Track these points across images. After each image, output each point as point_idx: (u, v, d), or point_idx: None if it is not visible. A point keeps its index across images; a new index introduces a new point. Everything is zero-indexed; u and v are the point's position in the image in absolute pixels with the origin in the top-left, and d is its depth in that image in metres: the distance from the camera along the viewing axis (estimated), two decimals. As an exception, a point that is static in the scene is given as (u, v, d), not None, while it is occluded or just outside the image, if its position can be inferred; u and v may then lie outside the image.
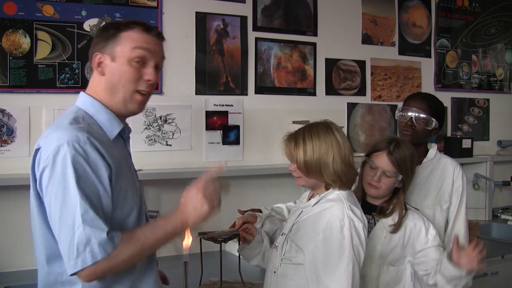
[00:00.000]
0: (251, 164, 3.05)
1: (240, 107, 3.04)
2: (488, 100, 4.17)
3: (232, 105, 3.01)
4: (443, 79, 3.90)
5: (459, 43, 4.00)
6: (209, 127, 2.95)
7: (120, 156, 1.48)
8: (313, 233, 1.79)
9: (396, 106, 3.51)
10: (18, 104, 2.49)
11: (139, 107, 1.53)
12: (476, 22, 4.08)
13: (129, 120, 1.61)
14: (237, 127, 3.03)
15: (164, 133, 2.82)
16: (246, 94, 3.06)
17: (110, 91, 1.49)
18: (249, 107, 3.07)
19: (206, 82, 2.94)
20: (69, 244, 1.30)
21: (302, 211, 1.89)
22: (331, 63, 3.36)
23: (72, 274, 1.31)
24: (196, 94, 2.91)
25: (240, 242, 2.09)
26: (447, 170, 2.29)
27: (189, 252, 1.87)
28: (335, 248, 1.72)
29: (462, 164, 2.48)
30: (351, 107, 3.45)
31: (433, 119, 2.26)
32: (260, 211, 2.25)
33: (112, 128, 1.49)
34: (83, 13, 2.61)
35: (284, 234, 1.91)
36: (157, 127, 2.80)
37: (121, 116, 1.53)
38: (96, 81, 1.51)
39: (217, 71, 2.97)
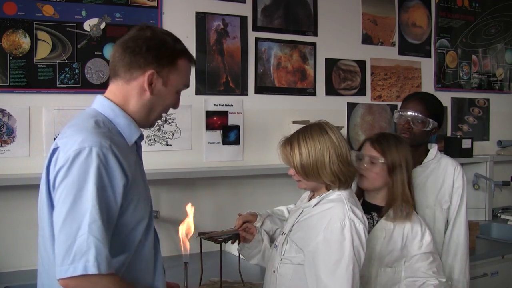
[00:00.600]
0: (251, 164, 3.05)
1: (240, 107, 3.04)
2: (488, 100, 4.17)
3: (232, 105, 3.01)
4: (443, 79, 3.90)
5: (459, 43, 4.00)
6: (209, 127, 2.95)
7: (135, 164, 1.47)
8: (313, 234, 1.78)
9: (396, 106, 3.51)
10: (18, 104, 2.49)
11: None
12: (476, 22, 4.08)
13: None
14: (237, 127, 3.03)
15: (164, 133, 2.82)
16: (246, 94, 3.06)
17: (148, 109, 1.50)
18: (249, 107, 3.07)
19: (206, 82, 2.94)
20: (67, 248, 1.26)
21: (302, 211, 1.89)
22: (331, 63, 3.36)
23: (59, 279, 1.28)
24: (196, 94, 2.91)
25: (240, 241, 2.10)
26: (447, 170, 2.29)
27: (189, 252, 1.87)
28: (335, 249, 1.72)
29: (462, 164, 2.48)
30: (351, 107, 3.45)
31: (430, 120, 2.25)
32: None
33: (131, 134, 1.49)
34: (83, 13, 2.61)
35: (284, 234, 1.91)
36: (157, 127, 2.80)
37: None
38: (132, 92, 1.48)
39: (217, 71, 2.97)
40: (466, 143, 3.70)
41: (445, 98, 3.88)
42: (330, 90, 3.36)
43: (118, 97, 1.49)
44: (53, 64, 2.55)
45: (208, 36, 2.94)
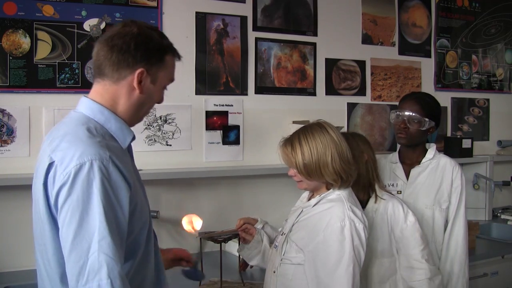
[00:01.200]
0: (251, 164, 3.05)
1: (240, 107, 3.04)
2: (488, 100, 4.17)
3: (232, 105, 3.01)
4: (443, 79, 3.90)
5: (459, 43, 4.00)
6: (209, 127, 2.95)
7: (132, 167, 1.44)
8: (313, 234, 1.78)
9: (396, 106, 3.50)
10: (18, 104, 2.49)
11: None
12: (476, 22, 4.08)
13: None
14: (237, 127, 3.03)
15: (164, 133, 2.82)
16: (246, 94, 3.06)
17: (137, 108, 1.46)
18: (249, 107, 3.07)
19: (206, 82, 2.94)
20: (80, 269, 1.21)
21: (302, 210, 1.89)
22: (331, 63, 3.36)
23: None
24: (196, 94, 2.91)
25: (240, 242, 2.10)
26: (446, 170, 2.29)
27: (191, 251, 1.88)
28: (335, 249, 1.72)
29: (462, 164, 2.49)
30: (351, 107, 3.45)
31: (426, 119, 2.26)
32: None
33: (124, 137, 1.43)
34: (83, 13, 2.61)
35: (284, 234, 1.91)
36: (157, 127, 2.80)
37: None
38: (121, 92, 1.42)
39: (217, 71, 2.97)
40: (466, 143, 3.70)
41: (445, 98, 3.88)
42: (330, 90, 3.36)
43: (106, 98, 1.42)
44: (53, 64, 2.55)
45: (208, 36, 2.94)
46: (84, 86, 2.57)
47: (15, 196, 2.43)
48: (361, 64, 3.49)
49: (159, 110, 2.77)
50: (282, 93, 3.18)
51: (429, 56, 3.83)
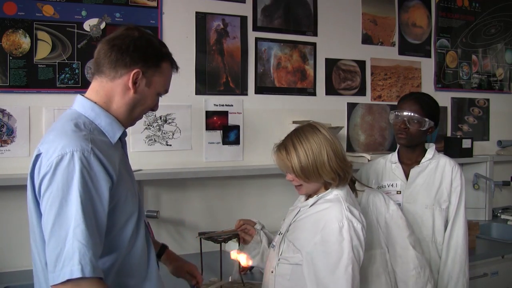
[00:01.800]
0: (251, 164, 3.05)
1: (240, 107, 3.04)
2: (488, 100, 4.17)
3: (232, 105, 3.01)
4: (443, 79, 3.90)
5: (459, 43, 4.00)
6: (209, 127, 2.95)
7: (120, 161, 1.48)
8: (310, 234, 1.78)
9: (396, 106, 3.50)
10: (18, 104, 2.49)
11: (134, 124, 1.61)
12: (476, 22, 4.08)
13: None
14: (237, 127, 3.03)
15: (164, 133, 2.82)
16: (246, 94, 3.06)
17: (130, 108, 1.51)
18: (249, 107, 3.07)
19: (206, 82, 2.94)
20: (57, 255, 1.27)
21: (299, 210, 1.89)
22: (331, 63, 3.36)
23: (52, 286, 1.28)
24: (196, 94, 2.91)
25: (240, 243, 2.10)
26: (445, 170, 2.29)
27: (188, 252, 1.87)
28: (334, 250, 1.72)
29: (462, 164, 2.49)
30: (351, 107, 3.45)
31: (426, 119, 2.26)
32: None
33: (114, 132, 1.49)
34: (83, 13, 2.61)
35: (281, 233, 1.90)
36: (157, 127, 2.80)
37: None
38: (116, 90, 1.48)
39: (217, 71, 2.97)
40: (466, 143, 3.70)
41: (445, 98, 3.88)
42: (330, 90, 3.36)
43: (101, 95, 1.49)
44: (53, 64, 2.55)
45: (208, 36, 2.94)
46: (84, 86, 2.57)
47: (15, 196, 2.43)
48: (361, 64, 3.49)
49: (159, 110, 2.73)
50: (282, 93, 3.18)
51: (429, 56, 3.83)
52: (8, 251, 2.46)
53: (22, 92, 2.49)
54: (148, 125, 2.78)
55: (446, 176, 2.28)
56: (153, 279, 1.54)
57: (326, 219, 1.76)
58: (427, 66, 3.81)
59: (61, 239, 1.28)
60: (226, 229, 2.19)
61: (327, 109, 3.33)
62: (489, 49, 4.16)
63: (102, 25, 2.64)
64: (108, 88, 1.49)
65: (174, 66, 1.57)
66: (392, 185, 2.33)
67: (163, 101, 1.63)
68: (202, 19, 2.93)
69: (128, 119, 1.53)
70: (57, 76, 2.56)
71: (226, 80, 3.00)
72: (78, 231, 1.27)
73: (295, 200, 2.10)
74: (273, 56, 3.15)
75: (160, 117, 2.80)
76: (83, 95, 1.51)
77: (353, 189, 2.01)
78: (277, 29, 3.16)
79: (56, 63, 2.56)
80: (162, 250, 1.91)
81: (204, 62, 2.93)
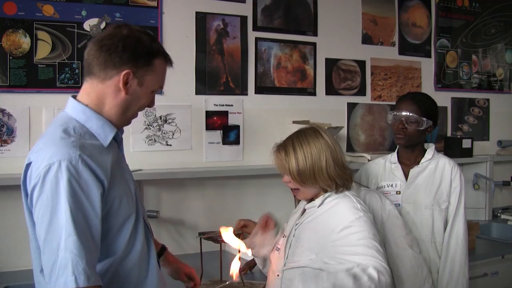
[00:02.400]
0: (251, 164, 3.05)
1: (240, 107, 3.04)
2: (488, 100, 4.17)
3: (232, 105, 3.01)
4: (443, 79, 3.90)
5: (459, 43, 4.00)
6: (209, 127, 2.95)
7: (115, 163, 1.45)
8: (326, 232, 1.73)
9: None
10: (18, 104, 2.49)
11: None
12: (476, 22, 4.08)
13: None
14: (237, 127, 3.03)
15: (164, 133, 2.82)
16: (246, 94, 3.06)
17: (123, 109, 1.47)
18: (249, 107, 3.07)
19: (206, 82, 2.94)
20: (51, 266, 1.27)
21: (305, 211, 1.86)
22: (331, 63, 3.36)
23: None
24: (196, 94, 2.91)
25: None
26: (445, 170, 2.29)
27: (188, 252, 1.87)
28: (359, 228, 1.68)
29: (462, 164, 2.49)
30: (351, 107, 3.45)
31: (424, 119, 2.25)
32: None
33: (106, 135, 1.45)
34: (83, 13, 2.61)
35: (286, 236, 1.88)
36: (157, 127, 2.80)
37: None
38: (107, 92, 1.44)
39: (217, 71, 2.97)
40: (466, 143, 3.70)
41: (445, 98, 3.89)
42: (330, 90, 3.36)
43: (92, 97, 1.45)
44: (53, 64, 2.55)
45: (208, 36, 2.94)
46: (84, 86, 2.57)
47: (15, 196, 2.40)
48: (361, 64, 3.49)
49: (159, 110, 2.78)
50: (282, 93, 3.18)
51: (429, 56, 3.83)
52: (8, 251, 2.46)
53: (22, 92, 2.49)
54: (148, 125, 2.78)
55: (446, 176, 2.28)
56: (153, 280, 1.53)
57: (339, 212, 1.72)
58: (427, 66, 3.81)
59: (54, 249, 1.27)
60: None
61: (327, 109, 3.33)
62: (489, 49, 4.16)
63: (102, 25, 2.64)
64: (99, 90, 1.45)
65: (167, 60, 1.52)
66: (391, 186, 2.33)
67: (163, 101, 1.62)
68: (202, 19, 2.93)
69: (122, 120, 1.50)
70: (57, 76, 2.56)
71: (226, 80, 3.00)
72: (70, 241, 1.26)
73: (294, 201, 2.09)
74: (273, 56, 3.15)
75: (160, 117, 2.80)
76: (75, 98, 1.49)
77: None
78: (277, 29, 3.16)
79: (56, 63, 2.56)
80: (161, 251, 1.90)
81: (204, 62, 2.93)
